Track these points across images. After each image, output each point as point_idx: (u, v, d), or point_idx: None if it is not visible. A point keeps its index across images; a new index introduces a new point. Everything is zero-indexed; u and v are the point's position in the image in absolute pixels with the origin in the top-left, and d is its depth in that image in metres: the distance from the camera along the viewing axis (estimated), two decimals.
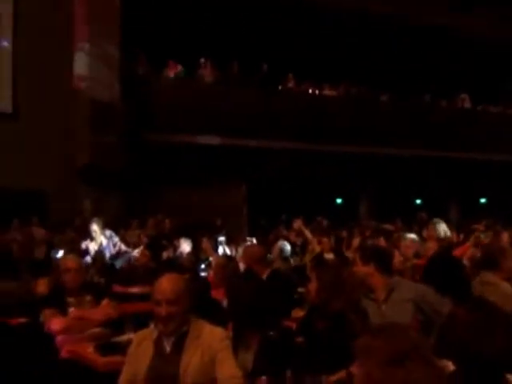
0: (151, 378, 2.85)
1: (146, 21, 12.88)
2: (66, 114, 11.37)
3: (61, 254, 7.61)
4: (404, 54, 15.66)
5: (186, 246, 8.58)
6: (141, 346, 2.95)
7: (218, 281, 5.58)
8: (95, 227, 8.57)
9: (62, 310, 4.11)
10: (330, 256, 7.49)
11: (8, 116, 11.08)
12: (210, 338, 2.90)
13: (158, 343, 2.92)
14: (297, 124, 13.89)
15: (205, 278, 5.38)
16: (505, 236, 7.59)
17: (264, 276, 5.15)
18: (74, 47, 11.81)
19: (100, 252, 8.19)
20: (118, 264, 7.64)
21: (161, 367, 2.86)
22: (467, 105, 16.99)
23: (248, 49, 13.88)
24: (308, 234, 8.06)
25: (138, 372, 2.87)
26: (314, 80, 15.24)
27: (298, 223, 8.20)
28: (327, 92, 15.57)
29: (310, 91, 15.42)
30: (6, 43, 11.36)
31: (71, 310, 4.14)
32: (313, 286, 4.05)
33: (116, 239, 8.68)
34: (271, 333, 3.35)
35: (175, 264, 6.74)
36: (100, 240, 8.45)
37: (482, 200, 17.79)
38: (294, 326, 4.26)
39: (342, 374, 3.08)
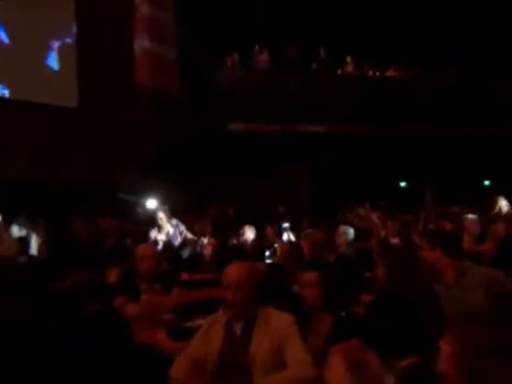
0: (222, 360, 2.94)
1: (203, 11, 12.99)
2: (131, 106, 11.62)
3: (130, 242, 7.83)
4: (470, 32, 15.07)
5: (250, 234, 8.66)
6: (211, 329, 3.05)
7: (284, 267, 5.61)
8: (161, 216, 8.76)
9: (134, 297, 4.23)
10: (395, 240, 7.42)
11: (73, 110, 11.41)
12: (278, 323, 2.96)
13: (228, 327, 3.02)
14: (359, 108, 13.70)
15: (279, 265, 5.40)
16: None
17: (330, 261, 5.16)
18: (134, 40, 12.06)
19: (168, 241, 8.37)
20: (185, 253, 7.78)
21: (231, 351, 2.95)
22: None
23: (304, 33, 13.76)
24: (375, 218, 8.03)
25: (208, 354, 2.96)
26: (374, 62, 14.97)
27: (365, 208, 8.21)
28: (390, 73, 15.27)
29: (371, 73, 15.17)
30: (69, 39, 11.69)
31: (143, 297, 4.26)
32: (380, 271, 4.02)
33: (182, 227, 8.84)
34: (343, 313, 3.36)
35: (241, 251, 6.80)
36: (167, 229, 8.63)
37: None
38: (361, 310, 4.26)
39: (412, 359, 3.05)
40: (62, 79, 11.43)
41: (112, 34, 11.60)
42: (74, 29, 11.70)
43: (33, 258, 7.15)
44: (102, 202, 9.97)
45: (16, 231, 8.74)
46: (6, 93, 10.76)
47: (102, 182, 10.57)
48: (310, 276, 3.31)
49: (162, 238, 8.59)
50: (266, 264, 5.93)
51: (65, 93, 11.34)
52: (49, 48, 11.42)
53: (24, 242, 8.04)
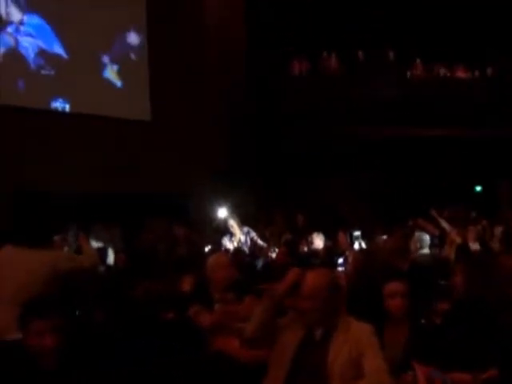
0: (299, 361, 2.95)
1: (268, 19, 13.07)
2: (203, 119, 11.84)
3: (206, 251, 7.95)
4: None
5: (319, 241, 8.61)
6: (291, 326, 3.06)
7: (357, 275, 5.55)
8: (232, 223, 8.84)
9: (208, 306, 4.28)
10: (475, 246, 7.20)
11: (148, 124, 11.70)
12: (358, 333, 2.95)
13: (308, 330, 3.02)
14: (429, 110, 13.42)
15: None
16: None
17: (404, 269, 5.07)
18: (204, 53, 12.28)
19: (239, 249, 8.42)
20: (259, 264, 7.79)
21: (310, 353, 2.96)
22: None
23: (372, 36, 13.62)
24: (445, 224, 7.81)
25: (285, 353, 2.98)
26: (444, 62, 14.62)
27: (434, 214, 8.01)
28: (460, 74, 14.87)
29: (441, 74, 14.82)
30: (133, 54, 11.90)
31: (216, 306, 4.30)
32: (459, 279, 3.91)
33: (253, 234, 8.89)
34: (422, 321, 3.32)
35: (312, 259, 6.78)
36: (238, 236, 8.70)
37: None
38: (438, 319, 4.15)
39: (492, 372, 2.96)
40: (127, 93, 11.66)
41: (183, 46, 11.87)
42: (139, 40, 11.92)
43: (111, 267, 7.36)
44: (176, 212, 10.17)
45: (93, 241, 9.03)
46: (67, 107, 10.97)
47: (176, 192, 10.80)
48: (397, 286, 3.29)
49: (233, 245, 8.66)
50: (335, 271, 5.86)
51: (134, 106, 11.61)
52: (108, 62, 11.61)
53: (102, 252, 8.29)
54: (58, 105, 10.87)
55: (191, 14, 12.26)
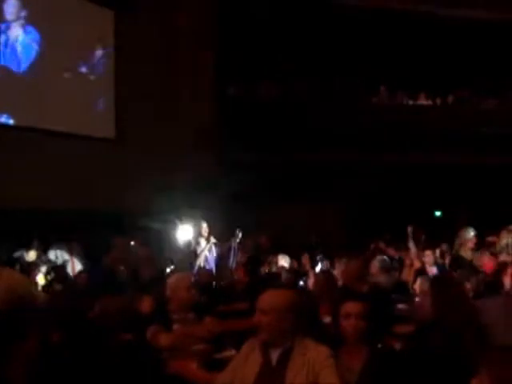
0: None
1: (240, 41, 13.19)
2: (167, 137, 11.80)
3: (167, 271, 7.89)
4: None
5: (283, 262, 8.64)
6: (250, 355, 3.06)
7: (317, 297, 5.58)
8: (201, 244, 8.83)
9: (167, 327, 4.25)
10: (432, 270, 7.32)
11: (112, 141, 11.60)
12: (316, 355, 2.94)
13: (264, 354, 3.02)
14: (389, 137, 13.68)
15: (311, 294, 5.37)
16: None
17: (363, 291, 5.11)
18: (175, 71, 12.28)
19: (203, 269, 8.40)
20: (219, 284, 7.77)
21: (268, 377, 2.95)
22: None
23: (333, 64, 13.87)
24: (412, 245, 7.96)
25: (243, 380, 2.97)
26: (407, 91, 14.96)
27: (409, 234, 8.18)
28: (422, 101, 15.24)
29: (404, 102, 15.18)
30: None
31: (175, 326, 4.27)
32: (426, 301, 3.96)
33: (217, 253, 8.88)
34: (379, 345, 3.32)
35: (274, 280, 6.79)
36: (203, 254, 8.68)
37: None
38: (394, 342, 4.19)
39: None
40: (91, 110, 11.56)
41: (150, 63, 11.86)
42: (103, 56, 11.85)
43: (70, 286, 7.23)
44: (137, 231, 10.07)
45: (53, 256, 8.89)
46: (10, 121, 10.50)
47: (137, 211, 10.71)
48: (351, 307, 3.27)
49: (198, 264, 8.64)
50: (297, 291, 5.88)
51: (97, 124, 11.49)
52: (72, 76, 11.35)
53: (61, 269, 8.15)
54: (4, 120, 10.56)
55: (160, 35, 12.27)
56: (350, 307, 3.24)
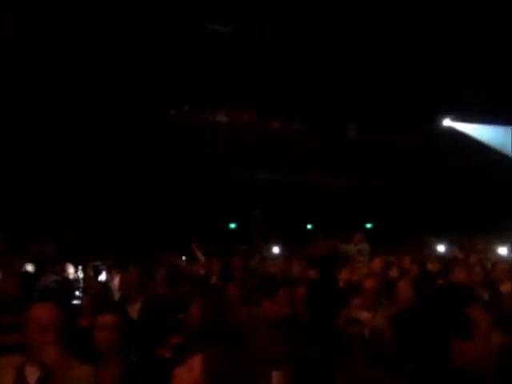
0: None
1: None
2: None
3: None
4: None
5: (70, 270, 8.39)
6: (1, 373, 2.74)
7: (93, 309, 5.34)
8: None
9: None
10: (215, 279, 7.46)
11: None
12: (78, 374, 2.74)
13: (20, 373, 2.72)
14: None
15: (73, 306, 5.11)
16: None
17: (140, 302, 5.01)
18: None
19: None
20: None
21: None
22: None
23: None
24: (201, 257, 8.08)
25: None
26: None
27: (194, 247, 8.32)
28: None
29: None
30: None
31: None
32: (195, 311, 3.95)
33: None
34: (133, 358, 3.21)
35: (50, 292, 6.41)
36: None
37: None
38: (167, 353, 4.13)
39: None
40: None
41: None
42: None
43: None
44: None
45: None
46: None
47: None
48: (105, 319, 3.15)
49: None
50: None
51: None
52: None
53: None
54: None
55: None
56: (103, 319, 3.13)
